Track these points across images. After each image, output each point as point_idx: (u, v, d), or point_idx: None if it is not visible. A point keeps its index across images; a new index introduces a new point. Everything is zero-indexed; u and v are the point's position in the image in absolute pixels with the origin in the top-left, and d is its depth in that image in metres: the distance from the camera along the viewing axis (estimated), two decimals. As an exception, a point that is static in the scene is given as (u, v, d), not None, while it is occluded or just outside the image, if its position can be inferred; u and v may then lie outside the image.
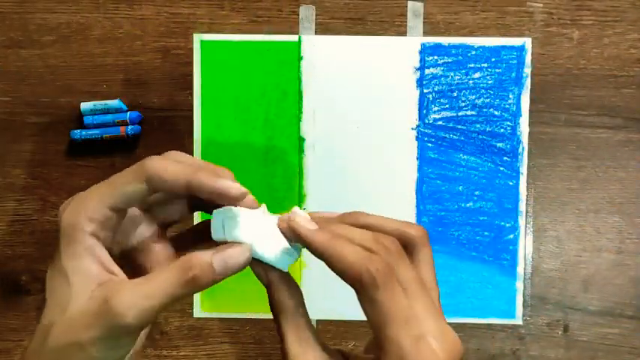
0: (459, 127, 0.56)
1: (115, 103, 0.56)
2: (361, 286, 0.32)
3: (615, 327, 0.57)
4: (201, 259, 0.33)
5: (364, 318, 0.60)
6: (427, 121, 0.56)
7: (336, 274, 0.32)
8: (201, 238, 0.37)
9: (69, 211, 0.34)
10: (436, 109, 0.56)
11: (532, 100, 0.56)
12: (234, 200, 0.34)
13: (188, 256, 0.33)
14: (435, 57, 0.56)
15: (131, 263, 0.36)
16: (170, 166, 0.34)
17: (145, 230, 0.36)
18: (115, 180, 0.35)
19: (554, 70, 0.56)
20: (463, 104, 0.56)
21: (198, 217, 0.57)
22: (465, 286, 0.57)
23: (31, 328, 0.57)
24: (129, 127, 0.56)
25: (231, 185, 0.34)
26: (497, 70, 0.56)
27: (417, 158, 0.57)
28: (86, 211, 0.34)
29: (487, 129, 0.56)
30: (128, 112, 0.56)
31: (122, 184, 0.34)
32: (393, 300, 0.32)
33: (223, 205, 0.34)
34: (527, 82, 0.56)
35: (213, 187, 0.33)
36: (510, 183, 0.56)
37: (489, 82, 0.56)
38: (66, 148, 0.57)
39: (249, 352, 0.58)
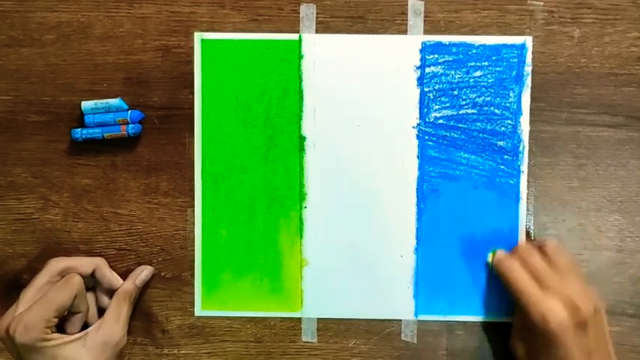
0: (460, 125, 0.56)
1: (115, 101, 0.56)
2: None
3: (616, 325, 0.57)
4: (129, 287, 0.55)
5: (364, 317, 0.60)
6: (428, 120, 0.56)
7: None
8: None
9: (20, 333, 0.48)
10: (437, 107, 0.56)
11: (533, 99, 0.56)
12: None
13: (120, 289, 0.55)
14: (436, 55, 0.56)
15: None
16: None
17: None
18: (51, 299, 0.50)
19: (555, 68, 0.56)
20: (464, 103, 0.56)
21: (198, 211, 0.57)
22: (465, 286, 0.57)
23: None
24: (130, 125, 0.56)
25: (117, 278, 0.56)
26: (498, 69, 0.56)
27: (418, 157, 0.56)
28: (35, 332, 0.49)
29: (488, 127, 0.56)
30: (129, 111, 0.56)
31: (58, 302, 0.50)
32: (519, 280, 0.52)
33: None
34: (528, 81, 0.56)
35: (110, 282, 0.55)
36: (511, 181, 0.56)
37: (490, 80, 0.56)
38: (67, 147, 0.57)
39: (250, 351, 0.58)
